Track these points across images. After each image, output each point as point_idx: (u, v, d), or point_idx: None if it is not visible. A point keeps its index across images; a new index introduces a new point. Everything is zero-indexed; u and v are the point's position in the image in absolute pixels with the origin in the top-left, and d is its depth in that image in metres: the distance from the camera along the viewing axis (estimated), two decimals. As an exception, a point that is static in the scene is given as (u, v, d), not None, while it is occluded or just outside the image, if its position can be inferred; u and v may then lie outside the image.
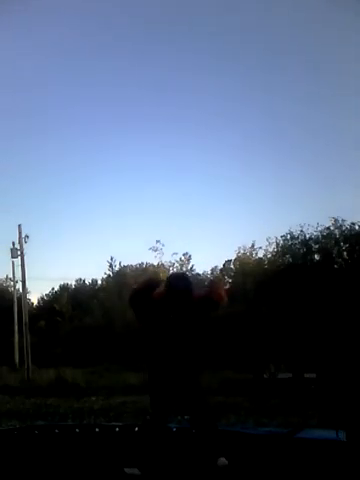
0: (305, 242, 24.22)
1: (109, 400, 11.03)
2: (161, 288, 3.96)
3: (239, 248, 32.81)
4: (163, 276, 33.01)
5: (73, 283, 39.62)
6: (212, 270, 35.64)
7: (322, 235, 24.00)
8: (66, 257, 51.57)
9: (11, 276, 30.42)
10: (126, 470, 3.79)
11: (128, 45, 42.50)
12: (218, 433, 4.05)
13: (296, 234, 24.35)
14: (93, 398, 11.62)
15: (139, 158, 48.28)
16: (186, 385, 3.91)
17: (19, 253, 24.71)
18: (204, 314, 3.97)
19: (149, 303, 3.89)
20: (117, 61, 42.22)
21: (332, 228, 23.70)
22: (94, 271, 60.92)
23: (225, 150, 44.69)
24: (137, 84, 44.20)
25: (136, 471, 3.75)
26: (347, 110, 38.38)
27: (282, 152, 44.09)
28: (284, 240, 24.95)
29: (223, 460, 3.78)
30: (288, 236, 24.60)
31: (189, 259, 34.73)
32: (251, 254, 32.77)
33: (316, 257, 24.53)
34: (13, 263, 26.65)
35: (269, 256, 28.14)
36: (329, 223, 23.64)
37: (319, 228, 23.92)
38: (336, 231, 23.69)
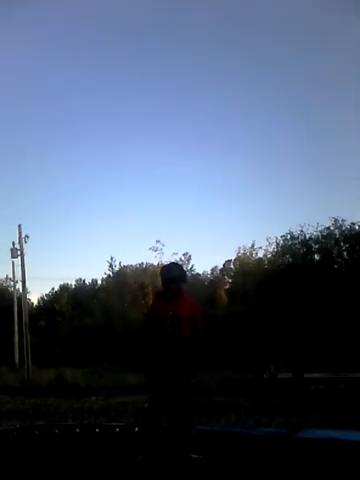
0: (305, 242, 24.19)
1: (109, 400, 11.00)
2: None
3: (239, 248, 32.87)
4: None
5: (73, 283, 39.70)
6: (212, 270, 35.72)
7: (322, 235, 23.97)
8: (66, 257, 51.70)
9: (11, 276, 30.46)
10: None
11: (128, 52, 42.55)
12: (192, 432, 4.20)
13: (296, 234, 24.33)
14: (93, 398, 11.58)
15: (139, 158, 48.42)
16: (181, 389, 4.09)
17: (19, 253, 24.69)
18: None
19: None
20: (117, 62, 42.29)
21: (332, 228, 23.67)
22: (94, 271, 61.04)
23: (225, 150, 44.80)
24: (136, 84, 44.29)
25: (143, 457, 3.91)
26: (347, 110, 38.45)
27: (282, 152, 44.21)
28: (284, 240, 24.92)
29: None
30: (288, 236, 24.58)
31: (189, 259, 34.77)
32: (251, 254, 32.79)
33: (316, 257, 24.50)
34: (13, 263, 26.71)
35: (269, 256, 28.13)
36: (329, 223, 23.63)
37: (319, 228, 23.90)
38: (336, 231, 23.66)
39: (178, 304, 4.15)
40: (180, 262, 34.57)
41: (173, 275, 4.24)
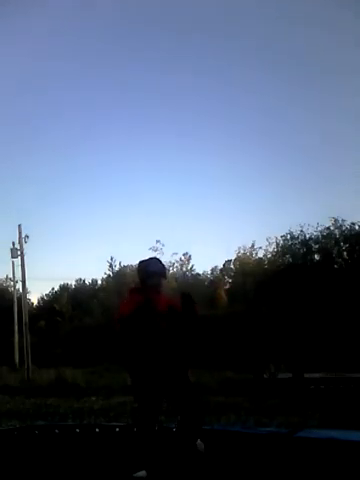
0: (305, 242, 24.20)
1: (109, 400, 11.01)
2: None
3: (239, 248, 32.88)
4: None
5: (73, 283, 39.69)
6: (212, 270, 35.70)
7: (322, 235, 23.98)
8: (66, 257, 51.66)
9: (11, 276, 30.44)
10: (135, 475, 3.71)
11: (127, 47, 42.54)
12: (201, 431, 4.02)
13: (296, 234, 24.34)
14: (93, 398, 11.59)
15: (139, 158, 48.44)
16: (175, 382, 3.86)
17: (19, 253, 24.67)
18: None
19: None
20: (118, 64, 42.29)
21: (332, 228, 23.68)
22: (94, 271, 61.04)
23: (225, 150, 44.81)
24: (136, 87, 44.28)
25: (144, 473, 3.69)
26: (347, 110, 38.45)
27: (282, 152, 44.22)
28: (284, 240, 24.93)
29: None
30: (288, 236, 24.59)
31: (189, 259, 34.76)
32: (251, 254, 32.80)
33: (316, 257, 24.50)
34: (13, 263, 26.66)
35: (269, 256, 28.15)
36: (329, 223, 23.64)
37: (319, 228, 23.91)
38: (336, 231, 23.67)
39: (156, 300, 3.93)
40: (180, 262, 34.63)
41: (153, 270, 4.03)
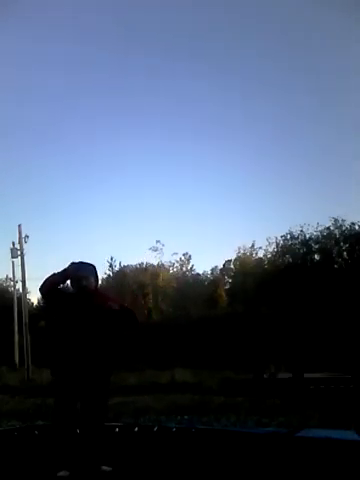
0: (305, 242, 24.22)
1: (109, 400, 11.00)
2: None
3: (239, 248, 32.90)
4: (163, 276, 32.92)
5: (73, 283, 39.53)
6: (212, 270, 35.69)
7: (322, 235, 24.00)
8: (66, 257, 51.45)
9: (11, 276, 30.44)
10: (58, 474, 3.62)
11: (127, 49, 42.55)
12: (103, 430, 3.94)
13: (296, 234, 24.36)
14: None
15: (139, 158, 48.35)
16: (90, 372, 3.75)
17: (19, 253, 24.69)
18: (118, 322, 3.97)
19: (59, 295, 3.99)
20: (118, 63, 42.28)
21: (332, 228, 23.71)
22: (94, 271, 60.86)
23: (225, 151, 44.79)
24: (138, 86, 44.24)
25: (65, 473, 3.61)
26: (347, 110, 38.46)
27: (282, 152, 44.19)
28: (284, 240, 24.95)
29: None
30: (288, 236, 24.62)
31: (189, 259, 34.75)
32: (251, 254, 32.81)
33: (316, 257, 24.53)
34: (13, 263, 26.67)
35: (269, 256, 28.17)
36: (329, 223, 23.68)
37: (319, 228, 23.94)
38: (336, 231, 23.69)
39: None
40: (180, 262, 34.63)
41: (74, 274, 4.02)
